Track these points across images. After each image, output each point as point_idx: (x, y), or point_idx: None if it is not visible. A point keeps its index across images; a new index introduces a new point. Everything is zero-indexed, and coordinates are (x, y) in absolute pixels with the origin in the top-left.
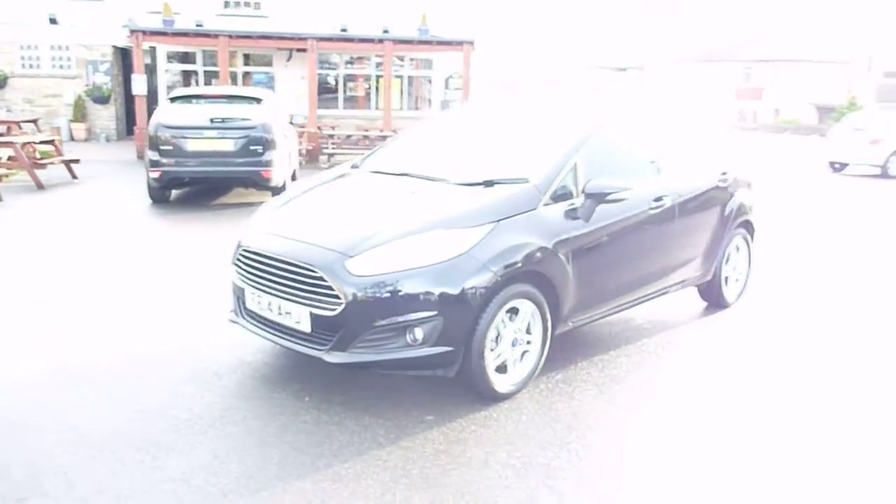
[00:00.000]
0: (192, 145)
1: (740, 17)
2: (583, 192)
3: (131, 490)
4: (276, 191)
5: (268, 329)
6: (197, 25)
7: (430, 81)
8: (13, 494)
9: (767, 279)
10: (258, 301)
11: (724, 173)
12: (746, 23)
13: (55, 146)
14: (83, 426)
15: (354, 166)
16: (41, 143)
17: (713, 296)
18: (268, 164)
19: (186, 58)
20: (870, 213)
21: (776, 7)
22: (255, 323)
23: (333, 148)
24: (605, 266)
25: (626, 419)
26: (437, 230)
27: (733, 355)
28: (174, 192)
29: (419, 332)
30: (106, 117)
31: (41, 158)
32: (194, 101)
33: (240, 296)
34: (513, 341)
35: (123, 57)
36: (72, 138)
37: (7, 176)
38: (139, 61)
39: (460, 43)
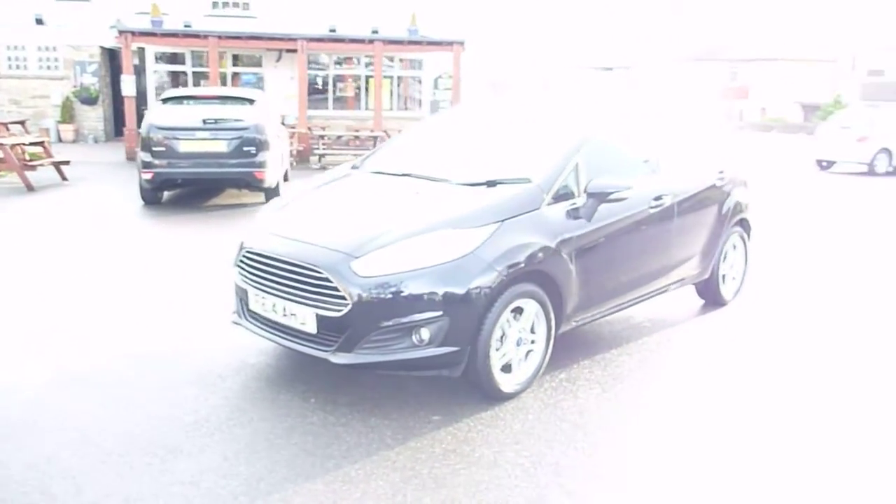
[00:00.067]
0: (184, 146)
1: (726, 17)
2: (585, 191)
3: (140, 493)
4: (270, 192)
5: (272, 331)
6: (185, 26)
7: (419, 82)
8: (21, 500)
9: (763, 277)
10: (262, 303)
11: (721, 172)
12: (732, 23)
13: (44, 148)
14: (88, 428)
15: (355, 167)
16: (30, 144)
17: (711, 294)
18: (261, 165)
19: (175, 59)
20: (859, 210)
21: (761, 7)
22: (258, 325)
23: (324, 148)
24: (607, 265)
25: (631, 416)
26: (442, 230)
27: (733, 352)
28: (166, 194)
29: (425, 333)
30: (94, 118)
31: (31, 160)
32: (186, 101)
33: (243, 297)
34: (517, 341)
35: (111, 58)
36: (59, 140)
37: None
38: (128, 62)
39: (450, 43)
